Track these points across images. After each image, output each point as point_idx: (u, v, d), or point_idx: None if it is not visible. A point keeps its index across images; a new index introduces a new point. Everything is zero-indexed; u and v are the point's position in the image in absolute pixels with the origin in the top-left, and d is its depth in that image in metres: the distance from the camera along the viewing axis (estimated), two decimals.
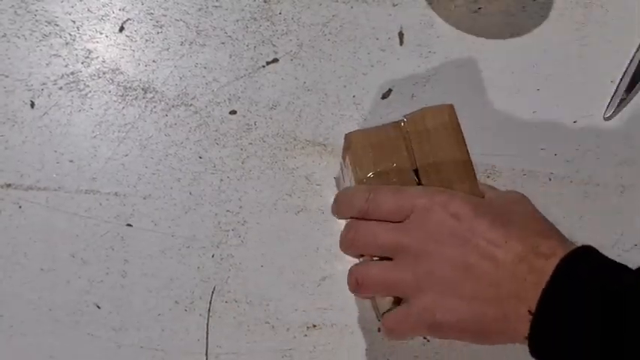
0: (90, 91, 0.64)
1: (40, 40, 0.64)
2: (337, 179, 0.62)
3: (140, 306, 0.59)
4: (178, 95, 0.64)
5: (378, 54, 0.66)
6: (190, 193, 0.62)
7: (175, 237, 0.61)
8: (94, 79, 0.64)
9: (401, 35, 0.67)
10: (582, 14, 0.70)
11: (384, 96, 0.65)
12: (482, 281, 0.47)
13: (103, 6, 0.66)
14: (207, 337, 0.58)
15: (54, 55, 0.64)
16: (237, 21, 0.66)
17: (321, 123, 0.64)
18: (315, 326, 0.59)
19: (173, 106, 0.64)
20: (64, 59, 0.64)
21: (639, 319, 0.42)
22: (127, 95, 0.64)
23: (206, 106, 0.64)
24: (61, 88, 0.63)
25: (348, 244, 0.54)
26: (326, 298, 0.60)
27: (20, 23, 0.65)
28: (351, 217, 0.54)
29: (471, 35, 0.68)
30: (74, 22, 0.65)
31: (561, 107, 0.67)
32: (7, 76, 0.63)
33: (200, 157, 0.62)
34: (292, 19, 0.67)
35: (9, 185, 0.61)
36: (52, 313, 0.58)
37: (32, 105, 0.63)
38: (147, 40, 0.65)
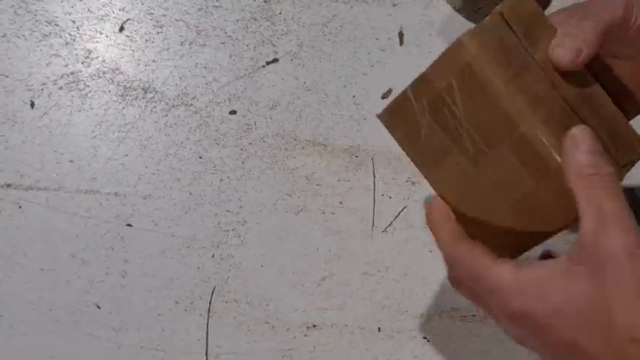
0: (90, 91, 0.64)
1: (40, 40, 0.64)
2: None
3: (140, 306, 0.59)
4: (178, 95, 0.64)
5: (378, 54, 0.66)
6: (190, 193, 0.62)
7: (175, 237, 0.61)
8: (94, 79, 0.64)
9: (401, 35, 0.67)
10: None
11: (384, 96, 0.65)
12: None
13: (103, 6, 0.66)
14: (207, 337, 0.59)
15: (54, 55, 0.64)
16: (237, 21, 0.66)
17: (321, 123, 0.64)
18: (315, 326, 0.59)
19: (173, 106, 0.64)
20: (64, 59, 0.64)
21: None
22: (127, 95, 0.64)
23: (206, 106, 0.64)
24: (61, 88, 0.63)
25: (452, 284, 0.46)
26: (326, 298, 0.60)
27: (20, 23, 0.65)
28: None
29: None
30: (74, 22, 0.65)
31: None
32: (7, 76, 0.63)
33: (200, 157, 0.62)
34: (292, 19, 0.67)
35: (9, 185, 0.61)
36: (52, 313, 0.58)
37: (32, 105, 0.63)
38: (147, 40, 0.65)
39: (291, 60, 0.66)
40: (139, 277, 0.60)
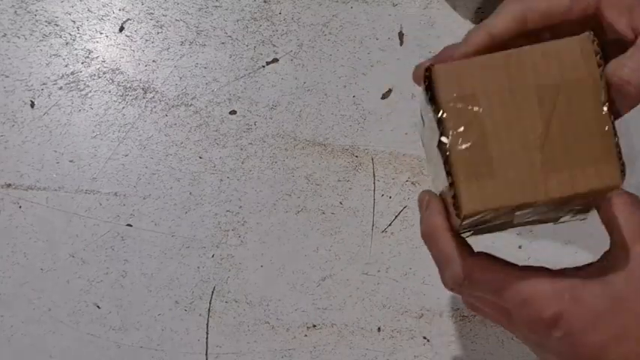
0: (90, 91, 0.64)
1: (40, 40, 0.64)
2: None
3: (140, 306, 0.59)
4: (178, 95, 0.64)
5: (378, 54, 0.66)
6: (190, 193, 0.62)
7: (175, 237, 0.61)
8: (94, 79, 0.64)
9: (401, 35, 0.67)
10: None
11: (384, 96, 0.65)
12: None
13: (103, 6, 0.66)
14: (207, 337, 0.58)
15: (54, 55, 0.64)
16: (237, 21, 0.66)
17: (321, 123, 0.64)
18: (315, 326, 0.59)
19: (173, 106, 0.64)
20: (64, 59, 0.64)
21: None
22: (127, 95, 0.64)
23: (206, 106, 0.64)
24: (61, 88, 0.63)
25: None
26: (326, 298, 0.60)
27: (20, 23, 0.65)
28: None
29: None
30: (74, 22, 0.65)
31: None
32: (7, 76, 0.63)
33: (200, 157, 0.62)
34: (292, 19, 0.67)
35: (9, 185, 0.61)
36: (52, 313, 0.58)
37: (32, 105, 0.63)
38: (147, 40, 0.65)
39: (291, 60, 0.66)
40: (139, 277, 0.60)
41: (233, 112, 0.64)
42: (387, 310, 0.60)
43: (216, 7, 0.67)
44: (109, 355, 0.58)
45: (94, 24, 0.65)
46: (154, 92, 0.64)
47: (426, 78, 0.39)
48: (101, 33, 0.65)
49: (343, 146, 0.63)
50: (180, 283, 0.59)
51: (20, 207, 0.60)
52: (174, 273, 0.60)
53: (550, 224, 0.45)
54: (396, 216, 0.62)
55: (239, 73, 0.65)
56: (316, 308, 0.60)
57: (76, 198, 0.61)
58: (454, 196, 0.37)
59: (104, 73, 0.64)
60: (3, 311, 0.58)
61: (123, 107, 0.63)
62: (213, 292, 0.59)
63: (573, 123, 0.38)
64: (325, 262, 0.61)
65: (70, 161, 0.62)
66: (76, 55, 0.64)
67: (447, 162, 0.38)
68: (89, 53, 0.65)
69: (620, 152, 0.40)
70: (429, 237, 0.42)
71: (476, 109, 0.38)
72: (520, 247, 0.62)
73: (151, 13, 0.66)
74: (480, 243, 0.43)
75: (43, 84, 0.63)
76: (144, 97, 0.64)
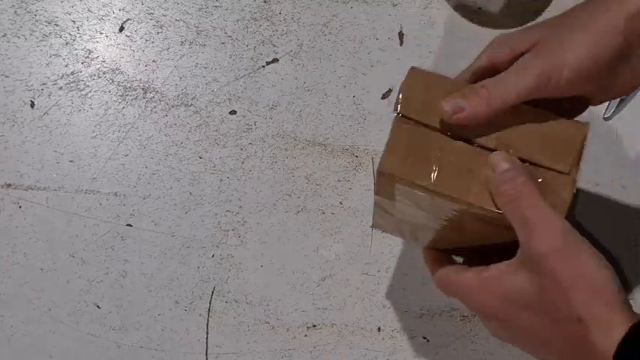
0: (90, 91, 0.64)
1: (40, 40, 0.64)
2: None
3: (140, 306, 0.59)
4: (178, 95, 0.64)
5: (378, 54, 0.66)
6: (190, 193, 0.62)
7: (175, 237, 0.61)
8: (94, 79, 0.64)
9: (401, 35, 0.67)
10: None
11: (384, 96, 0.65)
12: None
13: (103, 6, 0.66)
14: (207, 337, 0.59)
15: (54, 55, 0.64)
16: (237, 21, 0.66)
17: (321, 123, 0.64)
18: (315, 326, 0.59)
19: (173, 106, 0.64)
20: (64, 59, 0.64)
21: None
22: (127, 95, 0.64)
23: (206, 106, 0.64)
24: (61, 88, 0.63)
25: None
26: (326, 298, 0.60)
27: (20, 23, 0.65)
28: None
29: (471, 35, 0.68)
30: (74, 22, 0.65)
31: None
32: (7, 76, 0.63)
33: (200, 157, 0.62)
34: (292, 19, 0.67)
35: (9, 185, 0.61)
36: (52, 313, 0.58)
37: (32, 105, 0.63)
38: (147, 40, 0.65)
39: (291, 60, 0.66)
40: (139, 277, 0.60)
41: (233, 112, 0.64)
42: (387, 310, 0.60)
43: (216, 7, 0.67)
44: (109, 355, 0.58)
45: (94, 24, 0.65)
46: (154, 92, 0.64)
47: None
48: (101, 33, 0.65)
49: (343, 146, 0.63)
50: (180, 283, 0.59)
51: (20, 207, 0.60)
52: (174, 273, 0.60)
53: None
54: None
55: (239, 73, 0.65)
56: (316, 308, 0.60)
57: (76, 198, 0.61)
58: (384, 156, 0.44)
59: (104, 73, 0.64)
60: (3, 311, 0.58)
61: (123, 107, 0.63)
62: (213, 292, 0.59)
63: None
64: (325, 262, 0.61)
65: (70, 161, 0.62)
66: (76, 55, 0.64)
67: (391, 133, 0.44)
68: (89, 53, 0.65)
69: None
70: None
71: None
72: None
73: (151, 13, 0.66)
74: None
75: (43, 84, 0.63)
76: (144, 97, 0.64)
